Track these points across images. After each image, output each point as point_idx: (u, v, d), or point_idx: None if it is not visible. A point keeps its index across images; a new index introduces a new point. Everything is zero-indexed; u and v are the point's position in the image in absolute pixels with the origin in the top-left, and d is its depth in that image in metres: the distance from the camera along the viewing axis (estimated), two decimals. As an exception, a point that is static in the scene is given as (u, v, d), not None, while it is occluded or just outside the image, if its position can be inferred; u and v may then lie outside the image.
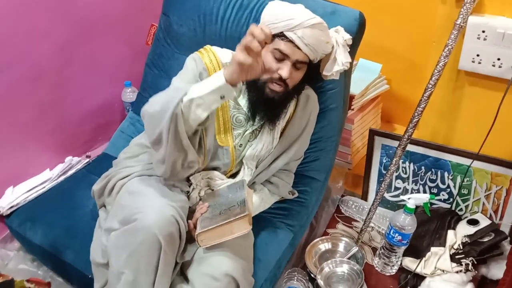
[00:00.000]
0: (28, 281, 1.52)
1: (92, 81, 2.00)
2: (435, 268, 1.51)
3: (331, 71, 1.32)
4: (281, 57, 1.24)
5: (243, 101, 1.37)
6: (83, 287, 1.49)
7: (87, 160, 1.95)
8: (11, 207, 1.66)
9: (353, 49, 1.55)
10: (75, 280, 1.53)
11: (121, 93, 2.12)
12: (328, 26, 1.45)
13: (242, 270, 1.25)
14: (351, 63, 1.58)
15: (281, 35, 1.23)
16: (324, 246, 1.65)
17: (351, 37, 1.34)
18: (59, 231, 1.52)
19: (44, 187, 1.76)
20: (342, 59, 1.31)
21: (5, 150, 1.71)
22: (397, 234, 1.50)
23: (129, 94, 2.09)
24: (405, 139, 1.51)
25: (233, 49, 1.45)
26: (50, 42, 1.75)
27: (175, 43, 1.77)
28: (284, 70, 1.23)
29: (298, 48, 1.22)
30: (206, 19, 1.66)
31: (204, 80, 1.19)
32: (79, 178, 1.76)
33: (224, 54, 1.39)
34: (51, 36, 1.74)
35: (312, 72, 1.35)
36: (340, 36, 1.32)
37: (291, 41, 1.22)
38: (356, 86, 1.91)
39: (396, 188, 1.82)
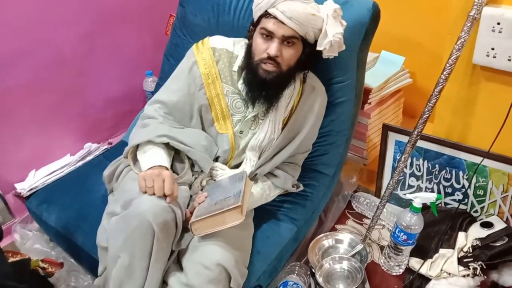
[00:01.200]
0: (42, 261, 1.60)
1: (115, 69, 2.06)
2: (441, 270, 1.46)
3: (323, 45, 1.28)
4: (269, 36, 1.26)
5: (242, 86, 1.38)
6: (91, 269, 1.55)
7: (106, 146, 2.01)
8: (31, 189, 1.74)
9: (367, 40, 1.51)
10: (85, 261, 1.58)
11: (142, 82, 2.17)
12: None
13: (235, 260, 1.25)
14: (362, 48, 1.52)
15: (266, 14, 1.26)
16: (328, 242, 1.62)
17: (339, 6, 1.28)
18: (72, 213, 1.58)
19: (62, 172, 1.84)
20: (332, 30, 1.26)
21: (29, 134, 1.80)
22: (402, 233, 1.45)
23: (150, 84, 2.13)
24: (414, 135, 1.45)
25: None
26: (74, 30, 1.82)
27: (190, 33, 1.79)
28: (271, 48, 1.25)
29: (283, 23, 1.23)
30: (220, 9, 1.67)
31: (145, 153, 1.33)
32: (96, 164, 1.82)
33: (225, 43, 1.43)
34: (75, 24, 1.81)
35: (312, 54, 1.34)
36: (329, 8, 1.27)
37: (275, 17, 1.24)
38: (376, 79, 1.86)
39: (410, 186, 1.76)
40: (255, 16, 1.32)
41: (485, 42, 1.33)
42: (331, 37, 1.26)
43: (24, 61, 1.68)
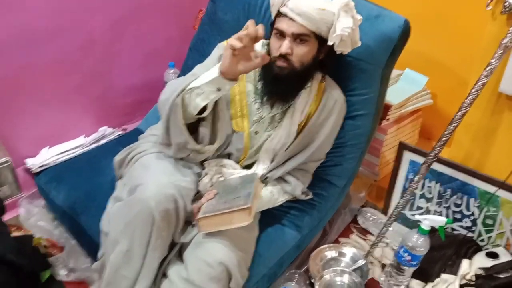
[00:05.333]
0: (45, 240, 1.61)
1: (139, 58, 2.08)
2: (442, 296, 1.44)
3: (332, 39, 1.27)
4: (281, 35, 1.28)
5: (259, 84, 1.39)
6: (92, 252, 1.55)
7: (120, 132, 2.02)
8: (42, 166, 1.75)
9: (394, 56, 1.50)
10: (86, 243, 1.59)
11: (164, 73, 2.17)
12: (370, 30, 1.43)
13: (237, 261, 1.25)
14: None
15: (279, 14, 1.28)
16: (331, 253, 1.61)
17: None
18: (80, 194, 1.59)
19: (75, 152, 1.85)
20: (340, 25, 1.24)
21: (48, 111, 1.82)
22: (407, 254, 1.44)
23: (172, 75, 2.13)
24: (431, 157, 1.44)
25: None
26: (104, 16, 1.84)
27: (218, 30, 1.79)
28: (282, 46, 1.26)
29: (293, 20, 1.24)
30: (251, 10, 1.67)
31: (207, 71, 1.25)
32: (109, 148, 1.82)
33: None
34: (105, 10, 1.83)
35: (330, 52, 1.34)
36: (339, 1, 1.24)
37: (286, 16, 1.25)
38: (396, 96, 1.85)
39: (419, 208, 1.74)
40: (272, 16, 1.34)
41: (514, 72, 1.32)
42: (339, 31, 1.24)
43: (55, 40, 1.71)
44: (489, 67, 1.31)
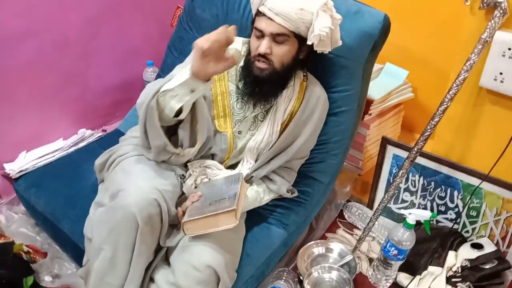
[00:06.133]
0: (27, 246, 1.57)
1: (117, 56, 2.04)
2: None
3: (311, 39, 1.25)
4: (260, 35, 1.27)
5: (240, 83, 1.37)
6: (76, 257, 1.53)
7: (100, 134, 1.98)
8: (21, 171, 1.70)
9: (375, 52, 1.50)
10: (70, 249, 1.56)
11: (143, 71, 2.13)
12: (350, 26, 1.42)
13: (225, 263, 1.24)
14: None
15: (258, 13, 1.27)
16: (318, 250, 1.61)
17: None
18: (60, 200, 1.56)
19: (54, 156, 1.81)
20: (318, 24, 1.23)
21: (25, 114, 1.77)
22: (393, 248, 1.45)
23: (150, 74, 2.11)
24: (414, 152, 1.45)
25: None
26: (79, 14, 1.79)
27: (197, 28, 1.76)
28: (261, 46, 1.26)
29: (272, 20, 1.23)
30: (229, 7, 1.65)
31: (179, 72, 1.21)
32: (89, 151, 1.79)
33: (235, 42, 1.38)
34: (81, 7, 1.79)
35: (311, 51, 1.33)
36: (318, 1, 1.23)
37: (264, 15, 1.24)
38: (377, 90, 1.85)
39: (404, 201, 1.75)
40: (253, 15, 1.34)
41: (494, 66, 1.33)
42: (317, 31, 1.23)
43: (28, 41, 1.65)
44: (469, 62, 1.31)
